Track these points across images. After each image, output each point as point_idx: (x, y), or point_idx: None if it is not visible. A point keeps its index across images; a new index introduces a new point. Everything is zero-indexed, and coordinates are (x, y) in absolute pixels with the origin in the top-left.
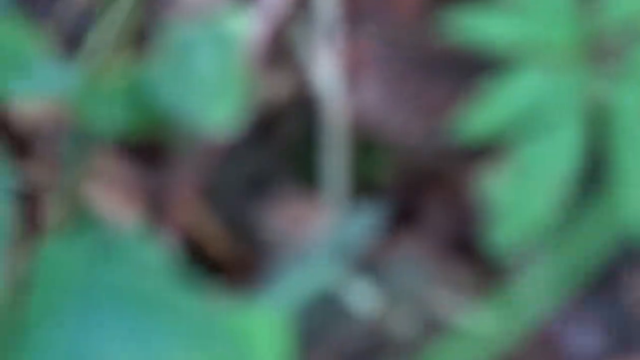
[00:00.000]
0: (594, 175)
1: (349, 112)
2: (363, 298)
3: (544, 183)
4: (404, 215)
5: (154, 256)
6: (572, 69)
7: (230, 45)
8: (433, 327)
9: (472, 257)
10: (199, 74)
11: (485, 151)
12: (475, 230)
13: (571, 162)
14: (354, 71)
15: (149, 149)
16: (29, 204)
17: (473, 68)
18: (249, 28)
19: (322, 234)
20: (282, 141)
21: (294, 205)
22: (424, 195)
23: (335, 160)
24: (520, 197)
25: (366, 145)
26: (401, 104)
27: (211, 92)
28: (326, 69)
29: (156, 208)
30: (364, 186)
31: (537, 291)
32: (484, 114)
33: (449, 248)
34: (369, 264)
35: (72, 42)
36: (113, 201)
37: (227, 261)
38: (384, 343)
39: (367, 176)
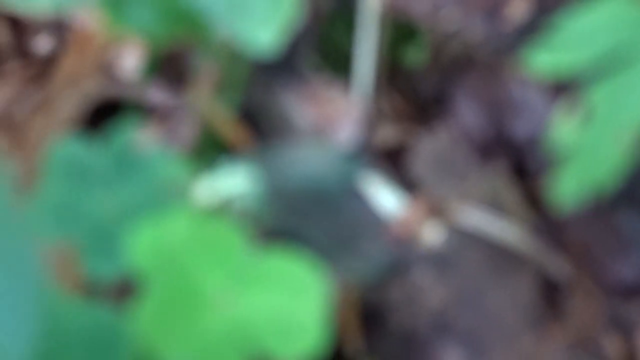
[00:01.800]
0: None
1: None
2: (388, 197)
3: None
4: (436, 103)
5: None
6: None
7: None
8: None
9: (502, 154)
10: None
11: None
12: (504, 128)
13: None
14: None
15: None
16: None
17: None
18: None
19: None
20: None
21: (323, 93)
22: (457, 85)
23: (368, 45)
24: (589, 141)
25: (401, 30)
26: None
27: (258, 12)
28: None
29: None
30: (396, 72)
31: None
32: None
33: (478, 143)
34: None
35: None
36: None
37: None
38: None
39: (400, 62)
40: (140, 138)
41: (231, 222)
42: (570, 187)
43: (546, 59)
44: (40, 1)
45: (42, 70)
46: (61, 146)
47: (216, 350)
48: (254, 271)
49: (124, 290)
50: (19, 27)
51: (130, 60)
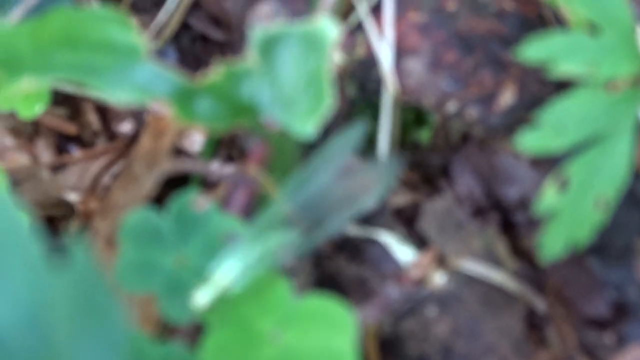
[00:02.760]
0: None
1: (396, 79)
2: (402, 249)
3: (589, 194)
4: (440, 173)
5: None
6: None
7: (320, 48)
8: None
9: (494, 214)
10: (290, 76)
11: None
12: (496, 193)
13: (621, 175)
14: (400, 40)
15: None
16: None
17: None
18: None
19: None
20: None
21: (354, 166)
22: (457, 158)
23: (386, 126)
24: (567, 206)
25: (411, 113)
26: (441, 73)
27: (302, 106)
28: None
29: None
30: (407, 147)
31: None
32: (539, 129)
33: (475, 205)
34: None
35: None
36: None
37: None
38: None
39: (410, 139)
40: (202, 204)
41: (277, 272)
42: (552, 243)
43: (532, 141)
44: (123, 96)
45: (125, 149)
46: (136, 213)
47: None
48: (297, 312)
49: (197, 331)
50: (107, 113)
51: (196, 140)
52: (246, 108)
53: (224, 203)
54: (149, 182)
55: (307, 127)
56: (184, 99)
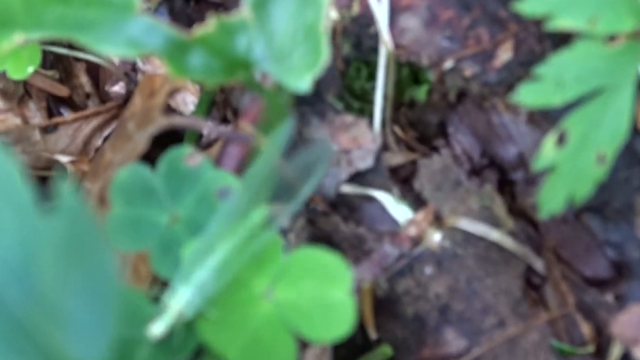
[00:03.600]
0: None
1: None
2: (398, 207)
3: (588, 148)
4: (437, 130)
5: None
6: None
7: (316, 2)
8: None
9: (491, 172)
10: (286, 30)
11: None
12: (493, 150)
13: (621, 129)
14: (392, 2)
15: None
16: None
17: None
18: None
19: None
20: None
21: (349, 122)
22: (453, 115)
23: (382, 83)
24: (567, 160)
25: (407, 69)
26: (438, 30)
27: (297, 61)
28: None
29: None
30: (403, 105)
31: None
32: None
33: (472, 163)
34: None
35: None
36: None
37: None
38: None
39: (407, 96)
40: (194, 159)
41: (270, 232)
42: (551, 198)
43: (532, 95)
44: (115, 50)
45: (117, 111)
46: (127, 169)
47: (265, 333)
48: (291, 267)
49: None
50: (98, 75)
51: (188, 100)
52: (240, 62)
53: (218, 160)
54: (142, 140)
55: (301, 81)
56: (177, 52)
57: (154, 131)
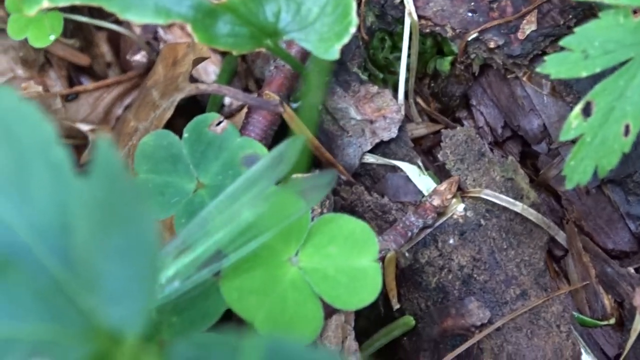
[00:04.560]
0: None
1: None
2: (422, 177)
3: (614, 119)
4: (462, 105)
5: None
6: None
7: None
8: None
9: (514, 143)
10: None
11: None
12: (517, 122)
13: None
14: None
15: None
16: None
17: None
18: None
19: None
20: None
21: (374, 92)
22: (480, 89)
23: (406, 54)
24: (593, 131)
25: (432, 41)
26: (463, 1)
27: (324, 21)
28: None
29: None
30: (428, 76)
31: None
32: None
33: (495, 134)
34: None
35: None
36: None
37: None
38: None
39: (430, 70)
40: (221, 126)
41: (298, 195)
42: (577, 168)
43: (559, 65)
44: (144, 16)
45: (138, 80)
46: (153, 135)
47: (290, 298)
48: (319, 232)
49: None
50: (119, 44)
51: (210, 71)
52: (268, 30)
53: (242, 129)
54: (168, 107)
55: (330, 51)
56: (205, 20)
57: (180, 98)
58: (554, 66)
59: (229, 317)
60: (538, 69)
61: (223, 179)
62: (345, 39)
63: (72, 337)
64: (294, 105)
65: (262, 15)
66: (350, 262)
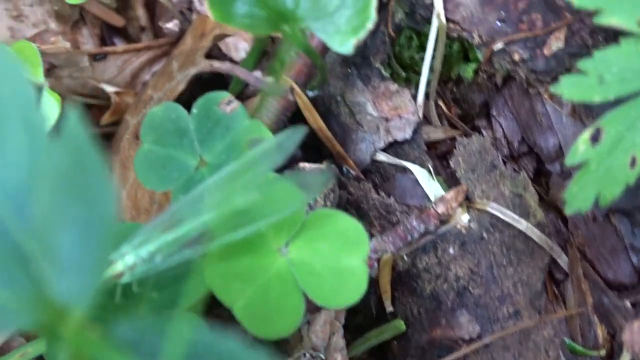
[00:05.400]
0: None
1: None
2: (431, 182)
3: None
4: (481, 114)
5: None
6: None
7: None
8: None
9: (529, 159)
10: None
11: (556, 71)
12: (534, 138)
13: None
14: None
15: None
16: None
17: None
18: None
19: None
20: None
21: (393, 89)
22: (501, 100)
23: (431, 56)
24: (600, 158)
25: (457, 45)
26: (493, 9)
27: (344, 13)
28: None
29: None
30: (450, 81)
31: None
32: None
33: (510, 147)
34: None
35: None
36: None
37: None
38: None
39: (454, 73)
40: (231, 106)
41: (294, 192)
42: (579, 194)
43: (574, 88)
44: None
45: (169, 48)
46: (161, 107)
47: (274, 288)
48: (311, 226)
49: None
50: (155, 9)
51: (241, 47)
52: (286, 16)
53: (256, 110)
54: (182, 80)
55: (345, 44)
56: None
57: (194, 73)
58: (567, 87)
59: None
60: (552, 88)
61: (226, 159)
62: (362, 34)
63: (22, 304)
64: (311, 93)
65: (282, 0)
66: (338, 260)
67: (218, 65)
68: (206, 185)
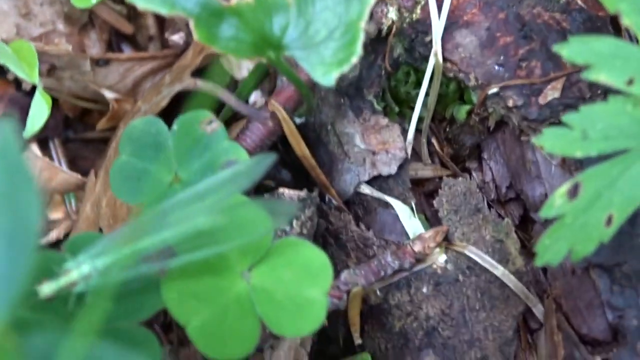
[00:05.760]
0: None
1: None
2: (412, 220)
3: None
4: (471, 155)
5: None
6: None
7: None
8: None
9: (514, 206)
10: (326, 21)
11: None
12: (521, 185)
13: (636, 194)
14: (458, 10)
15: None
16: None
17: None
18: None
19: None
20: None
21: (383, 124)
22: (492, 144)
23: (425, 94)
24: (576, 213)
25: (452, 85)
26: (493, 53)
27: (330, 46)
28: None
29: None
30: (443, 120)
31: None
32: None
33: (496, 192)
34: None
35: None
36: None
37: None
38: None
39: (447, 112)
40: (212, 126)
41: (262, 216)
42: (551, 246)
43: (557, 141)
44: (150, 3)
45: (173, 60)
46: (141, 121)
47: (232, 312)
48: (276, 256)
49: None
50: (164, 20)
51: (245, 67)
52: (272, 42)
53: (241, 132)
54: (167, 95)
55: (328, 76)
56: (209, 18)
57: (178, 90)
58: (550, 139)
59: None
60: (534, 140)
61: (201, 177)
62: (346, 68)
63: None
64: (298, 120)
65: (269, 27)
66: (300, 290)
67: (201, 84)
68: (173, 202)
